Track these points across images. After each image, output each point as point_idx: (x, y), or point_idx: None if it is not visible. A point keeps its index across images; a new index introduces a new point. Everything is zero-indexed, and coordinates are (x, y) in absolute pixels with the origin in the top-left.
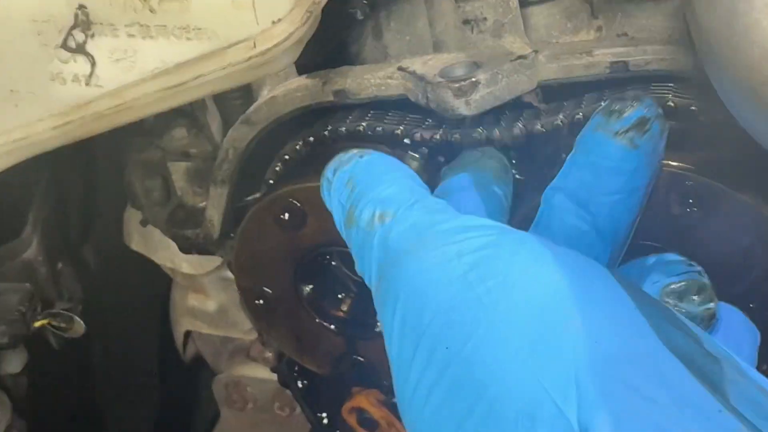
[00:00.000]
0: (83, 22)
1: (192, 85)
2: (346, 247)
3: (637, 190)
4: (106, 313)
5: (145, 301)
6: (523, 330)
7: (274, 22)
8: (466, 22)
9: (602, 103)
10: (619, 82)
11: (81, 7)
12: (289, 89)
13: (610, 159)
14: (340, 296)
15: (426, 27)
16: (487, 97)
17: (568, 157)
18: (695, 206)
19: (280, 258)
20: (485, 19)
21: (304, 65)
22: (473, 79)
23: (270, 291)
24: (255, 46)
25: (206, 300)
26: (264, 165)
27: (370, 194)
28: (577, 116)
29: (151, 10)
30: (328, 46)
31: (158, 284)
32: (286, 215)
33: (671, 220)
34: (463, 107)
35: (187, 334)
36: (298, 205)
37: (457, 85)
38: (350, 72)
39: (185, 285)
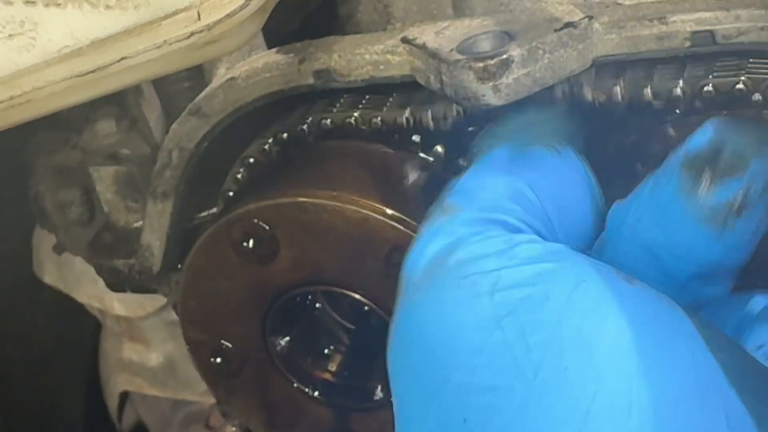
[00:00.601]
0: None
1: (114, 70)
2: (334, 284)
3: (726, 273)
4: (12, 367)
5: (66, 353)
6: (573, 415)
7: None
8: None
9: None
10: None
11: None
12: (254, 68)
13: (689, 244)
14: (326, 351)
15: None
16: (523, 80)
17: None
18: None
19: (243, 301)
20: None
21: (276, 33)
22: (504, 56)
23: (230, 345)
24: (199, 18)
25: (147, 351)
26: (221, 171)
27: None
28: None
29: None
30: (306, 7)
31: (83, 329)
32: (251, 242)
33: None
34: (490, 95)
35: (124, 396)
36: (267, 228)
37: (481, 64)
38: (337, 45)
39: (119, 331)
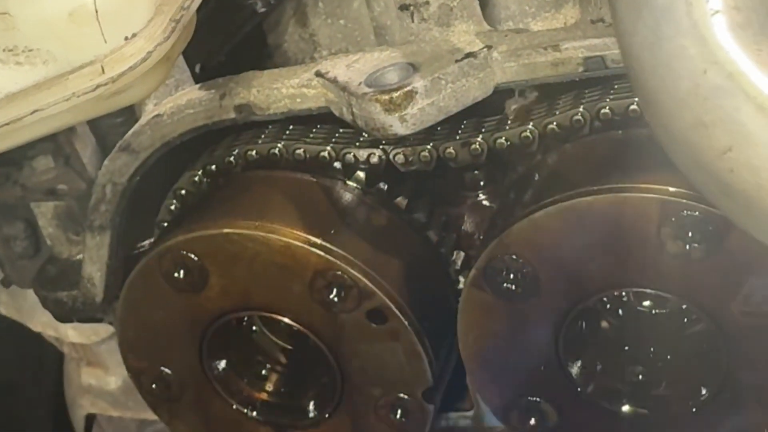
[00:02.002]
0: None
1: (28, 122)
2: (263, 309)
3: None
4: None
5: (32, 378)
6: None
7: (127, 39)
8: (403, 7)
9: None
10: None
11: None
12: (178, 105)
13: None
14: (263, 372)
15: (363, 7)
16: (428, 109)
17: None
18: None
19: (178, 328)
20: (427, 3)
21: (203, 67)
22: (408, 88)
23: (169, 371)
24: (103, 71)
25: (106, 375)
26: (157, 202)
27: None
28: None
29: None
30: (232, 40)
31: (48, 354)
32: (181, 273)
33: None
34: (397, 125)
35: (91, 418)
36: (196, 259)
37: (387, 96)
38: (256, 80)
39: (77, 357)
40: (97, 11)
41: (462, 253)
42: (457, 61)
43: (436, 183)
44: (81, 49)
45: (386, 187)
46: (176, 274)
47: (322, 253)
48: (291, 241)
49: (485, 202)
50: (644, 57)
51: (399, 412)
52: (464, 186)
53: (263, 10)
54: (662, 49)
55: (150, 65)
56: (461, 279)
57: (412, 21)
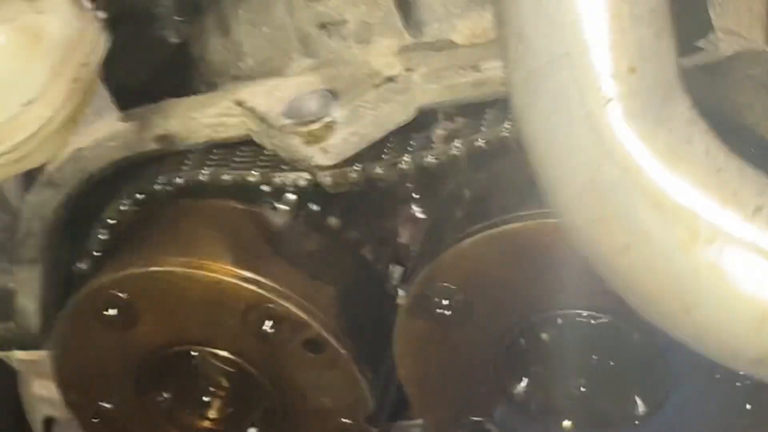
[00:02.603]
0: None
1: None
2: (197, 343)
3: None
4: None
5: None
6: None
7: (23, 105)
8: (321, 26)
9: None
10: None
11: None
12: (98, 139)
13: None
14: (206, 398)
15: (287, 15)
16: (349, 139)
17: None
18: None
19: (114, 364)
20: (345, 21)
21: (125, 88)
22: (328, 119)
23: (109, 406)
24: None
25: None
26: (86, 230)
27: None
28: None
29: None
30: (153, 59)
31: None
32: (111, 311)
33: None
34: (319, 156)
35: (50, 421)
36: (125, 297)
37: (306, 129)
38: (174, 109)
39: (26, 371)
40: None
41: (399, 267)
42: (376, 86)
43: (369, 198)
44: None
45: (317, 208)
46: (106, 313)
47: (252, 287)
48: (221, 276)
49: (419, 214)
50: (540, 146)
51: None
52: (397, 199)
53: (178, 41)
54: (557, 140)
55: (53, 129)
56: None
57: (330, 39)
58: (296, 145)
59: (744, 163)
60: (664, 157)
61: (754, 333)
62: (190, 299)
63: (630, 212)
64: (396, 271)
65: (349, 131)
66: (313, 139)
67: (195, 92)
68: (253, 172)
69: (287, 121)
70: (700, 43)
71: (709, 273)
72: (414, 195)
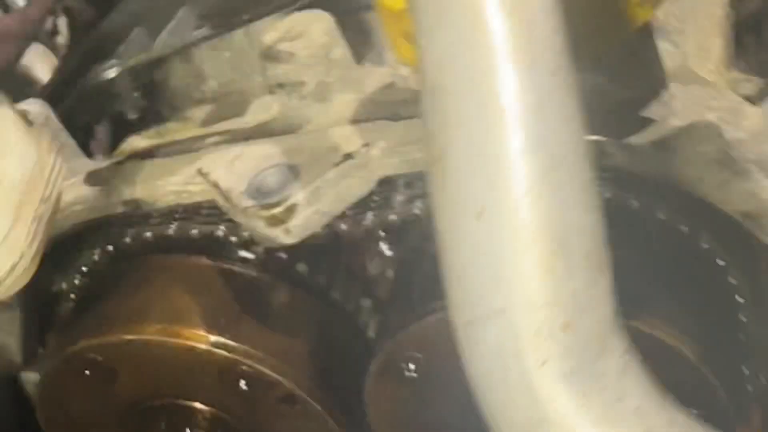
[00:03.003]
0: None
1: None
2: (176, 397)
3: None
4: None
5: None
6: None
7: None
8: (279, 86)
9: None
10: None
11: None
12: (66, 202)
13: None
14: None
15: (246, 42)
16: (312, 217)
17: None
18: None
19: (98, 416)
20: (303, 83)
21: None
22: (289, 203)
23: None
24: None
25: None
26: (64, 269)
27: None
28: None
29: None
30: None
31: None
32: (88, 372)
33: None
34: (282, 236)
35: None
36: (102, 360)
37: (268, 213)
38: (139, 174)
39: None
40: None
41: (369, 300)
42: (336, 164)
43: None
44: None
45: (285, 255)
46: (85, 373)
47: (224, 353)
48: (193, 344)
49: (387, 252)
50: (482, 393)
51: None
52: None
53: (136, 116)
54: (495, 394)
55: (19, 274)
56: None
57: (288, 98)
58: (260, 227)
59: (677, 416)
60: (598, 419)
61: None
62: (165, 362)
63: None
64: (366, 304)
65: (311, 210)
66: (276, 221)
67: (157, 116)
68: (220, 227)
69: (250, 203)
70: (653, 114)
71: None
72: (381, 235)
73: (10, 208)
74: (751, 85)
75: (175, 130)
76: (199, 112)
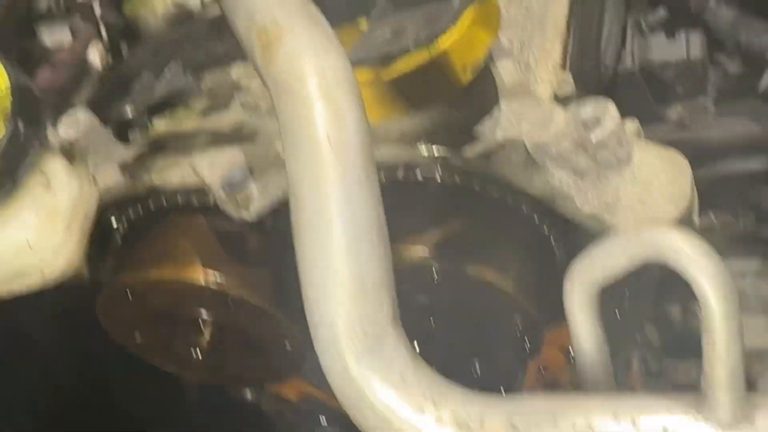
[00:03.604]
0: None
1: None
2: (193, 308)
3: None
4: None
5: None
6: None
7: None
8: (244, 105)
9: None
10: None
11: None
12: (105, 185)
13: None
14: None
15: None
16: (263, 203)
17: None
18: None
19: (139, 321)
20: (259, 106)
21: None
22: (247, 193)
23: (138, 340)
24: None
25: None
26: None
27: None
28: None
29: None
30: None
31: None
32: (129, 293)
33: None
34: (245, 214)
35: None
36: (136, 286)
37: (235, 200)
38: (154, 168)
39: None
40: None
41: None
42: (279, 168)
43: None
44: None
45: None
46: (126, 293)
47: (215, 284)
48: (193, 279)
49: None
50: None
51: None
52: None
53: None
54: (332, 380)
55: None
56: None
57: (251, 117)
58: (230, 208)
59: (434, 377)
60: (384, 382)
61: None
62: (178, 290)
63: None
64: None
65: (263, 200)
66: (240, 205)
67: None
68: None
69: (222, 193)
70: (484, 130)
71: None
72: None
73: (63, 228)
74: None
75: (183, 116)
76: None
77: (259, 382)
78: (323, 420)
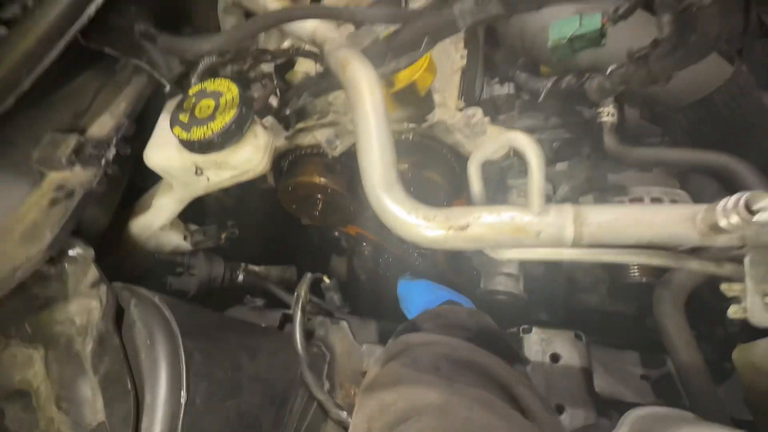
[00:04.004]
0: None
1: None
2: (313, 194)
3: None
4: None
5: None
6: None
7: (259, 162)
8: (334, 112)
9: None
10: None
11: None
12: (277, 146)
13: None
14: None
15: None
16: (341, 149)
17: None
18: None
19: (293, 200)
20: (339, 111)
21: None
22: (335, 145)
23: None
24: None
25: None
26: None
27: None
28: None
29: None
30: None
31: None
32: (290, 188)
33: None
34: (335, 153)
35: None
36: (292, 185)
37: (330, 148)
38: (296, 137)
39: None
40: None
41: None
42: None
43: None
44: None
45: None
46: (289, 189)
47: (322, 182)
48: (312, 180)
49: None
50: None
51: None
52: None
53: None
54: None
55: (269, 165)
56: None
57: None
58: (329, 152)
59: (413, 201)
60: (394, 203)
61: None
62: (306, 187)
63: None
64: None
65: (341, 147)
66: (332, 149)
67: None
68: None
69: (326, 145)
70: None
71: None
72: None
73: (262, 154)
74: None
75: (308, 117)
76: (315, 113)
77: (339, 225)
78: (365, 244)
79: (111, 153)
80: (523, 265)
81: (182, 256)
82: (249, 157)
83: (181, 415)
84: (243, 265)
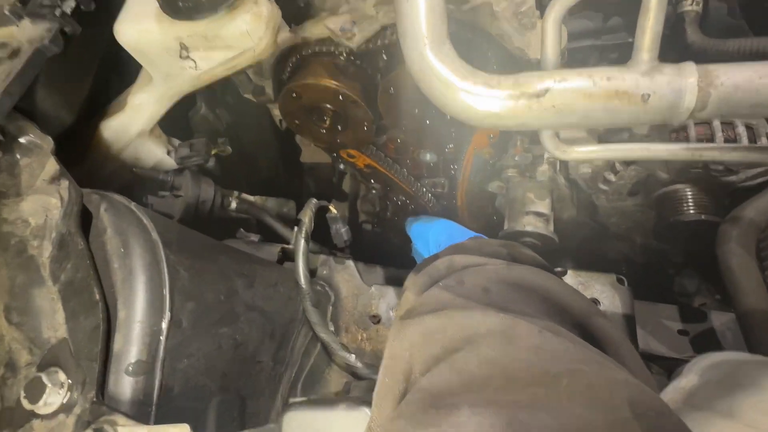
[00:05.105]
0: None
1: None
2: (322, 102)
3: None
4: None
5: None
6: None
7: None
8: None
9: None
10: None
11: None
12: (281, 40)
13: None
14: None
15: None
16: (359, 39)
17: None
18: None
19: (298, 111)
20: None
21: None
22: (352, 34)
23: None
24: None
25: None
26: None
27: None
28: None
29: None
30: None
31: None
32: (294, 94)
33: None
34: (351, 45)
35: None
36: (296, 90)
37: (346, 38)
38: (304, 28)
39: None
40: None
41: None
42: None
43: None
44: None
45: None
46: (293, 95)
47: (335, 86)
48: (323, 83)
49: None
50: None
51: None
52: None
53: None
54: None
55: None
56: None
57: None
58: (343, 42)
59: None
60: (441, 63)
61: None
62: (317, 91)
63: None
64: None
65: (359, 38)
66: (348, 39)
67: None
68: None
69: (341, 33)
70: None
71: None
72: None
73: (264, 25)
74: None
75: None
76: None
77: (350, 146)
78: (373, 181)
79: (69, 4)
80: (554, 205)
81: (166, 173)
82: (247, 29)
83: (163, 337)
84: (236, 192)
